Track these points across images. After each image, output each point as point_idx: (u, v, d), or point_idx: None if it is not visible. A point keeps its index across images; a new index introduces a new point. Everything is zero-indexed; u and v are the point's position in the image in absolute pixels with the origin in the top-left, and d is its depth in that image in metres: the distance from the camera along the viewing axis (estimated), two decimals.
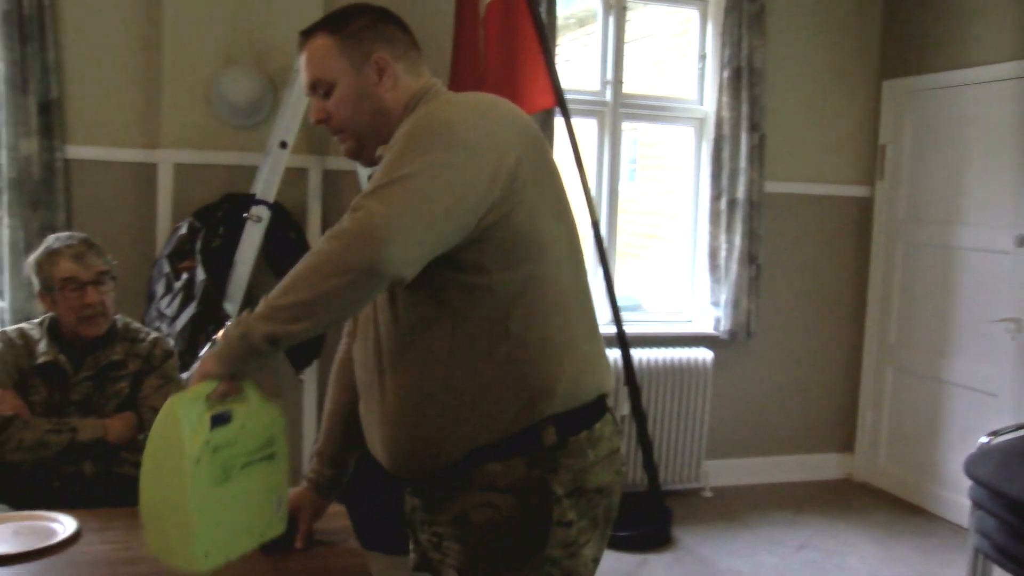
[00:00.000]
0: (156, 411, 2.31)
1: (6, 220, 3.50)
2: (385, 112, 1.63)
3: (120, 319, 2.51)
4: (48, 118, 3.55)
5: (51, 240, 2.48)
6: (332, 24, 1.65)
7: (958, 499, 4.11)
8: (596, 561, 1.66)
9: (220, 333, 1.52)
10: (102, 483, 2.27)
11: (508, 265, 1.51)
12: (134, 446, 2.30)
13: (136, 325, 2.54)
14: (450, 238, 1.44)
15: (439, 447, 1.56)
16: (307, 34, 1.67)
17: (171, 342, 3.21)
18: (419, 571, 1.79)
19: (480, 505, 1.55)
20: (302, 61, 1.67)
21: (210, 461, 1.49)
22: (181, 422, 1.46)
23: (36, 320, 2.49)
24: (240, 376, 1.50)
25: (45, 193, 3.56)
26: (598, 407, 1.62)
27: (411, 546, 1.81)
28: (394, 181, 1.39)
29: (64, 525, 1.93)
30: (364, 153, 1.68)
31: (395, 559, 1.87)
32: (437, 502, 1.62)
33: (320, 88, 1.65)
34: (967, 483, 3.30)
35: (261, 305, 1.43)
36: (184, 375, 3.04)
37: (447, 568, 1.62)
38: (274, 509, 1.65)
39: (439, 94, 1.66)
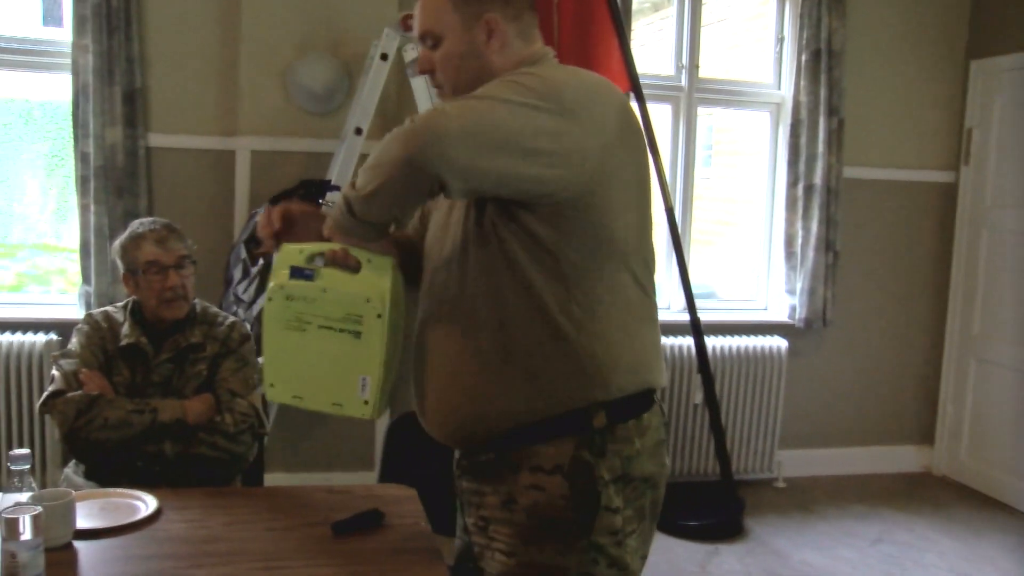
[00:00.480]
0: (233, 393, 2.41)
1: (92, 207, 3.61)
2: (490, 74, 1.61)
3: (199, 303, 2.57)
4: (132, 107, 3.66)
5: (135, 225, 2.54)
6: None
7: None
8: (643, 558, 1.65)
9: None
10: (182, 463, 2.33)
11: (582, 249, 1.52)
12: (212, 427, 2.36)
13: (214, 309, 2.60)
14: (508, 180, 1.45)
15: (488, 413, 1.57)
16: None
17: (248, 326, 3.29)
18: (462, 560, 1.80)
19: (528, 487, 1.55)
20: (416, 9, 1.67)
21: (283, 305, 1.67)
22: (274, 265, 1.68)
23: (120, 303, 2.57)
24: (345, 239, 1.59)
25: (128, 180, 3.66)
26: (647, 398, 1.62)
27: (458, 532, 1.82)
28: (482, 97, 1.44)
29: (146, 503, 1.99)
30: None
31: None
32: (486, 483, 1.63)
33: (428, 39, 1.65)
34: None
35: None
36: (260, 358, 3.11)
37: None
38: (357, 388, 1.69)
39: (548, 62, 1.67)
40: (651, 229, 1.66)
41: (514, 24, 1.63)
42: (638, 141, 1.61)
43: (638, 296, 1.61)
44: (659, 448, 1.65)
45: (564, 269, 1.52)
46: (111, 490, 2.08)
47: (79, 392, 2.31)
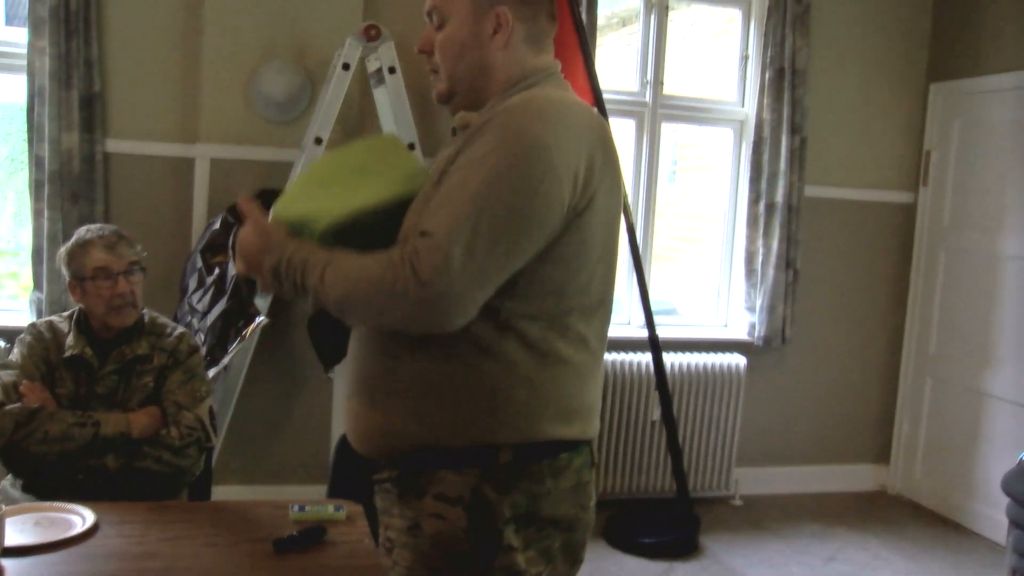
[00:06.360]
0: (179, 406, 2.37)
1: (46, 212, 3.55)
2: (488, 71, 1.57)
3: (147, 313, 2.52)
4: (90, 112, 3.61)
5: (82, 231, 2.50)
6: None
7: (997, 516, 4.00)
8: None
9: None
10: (125, 477, 2.30)
11: (529, 298, 1.47)
12: (157, 441, 2.32)
13: (163, 320, 2.56)
14: (508, 276, 1.43)
15: (393, 430, 1.54)
16: None
17: (199, 337, 3.26)
18: None
19: (432, 515, 1.50)
20: None
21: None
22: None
23: (66, 313, 2.52)
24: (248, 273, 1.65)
25: (85, 186, 3.61)
26: (569, 444, 1.55)
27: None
28: (480, 223, 1.37)
29: (83, 517, 1.96)
30: (453, 102, 1.64)
31: None
32: (394, 504, 1.58)
33: (434, 16, 1.60)
34: (1006, 500, 3.23)
35: (313, 255, 1.48)
36: (210, 371, 3.08)
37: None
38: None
39: (549, 81, 1.59)
40: (612, 280, 1.60)
41: (525, 25, 1.58)
42: (617, 169, 1.55)
43: (585, 351, 1.55)
44: (579, 491, 1.57)
45: (503, 315, 1.46)
46: (47, 504, 2.04)
47: (18, 404, 2.27)
